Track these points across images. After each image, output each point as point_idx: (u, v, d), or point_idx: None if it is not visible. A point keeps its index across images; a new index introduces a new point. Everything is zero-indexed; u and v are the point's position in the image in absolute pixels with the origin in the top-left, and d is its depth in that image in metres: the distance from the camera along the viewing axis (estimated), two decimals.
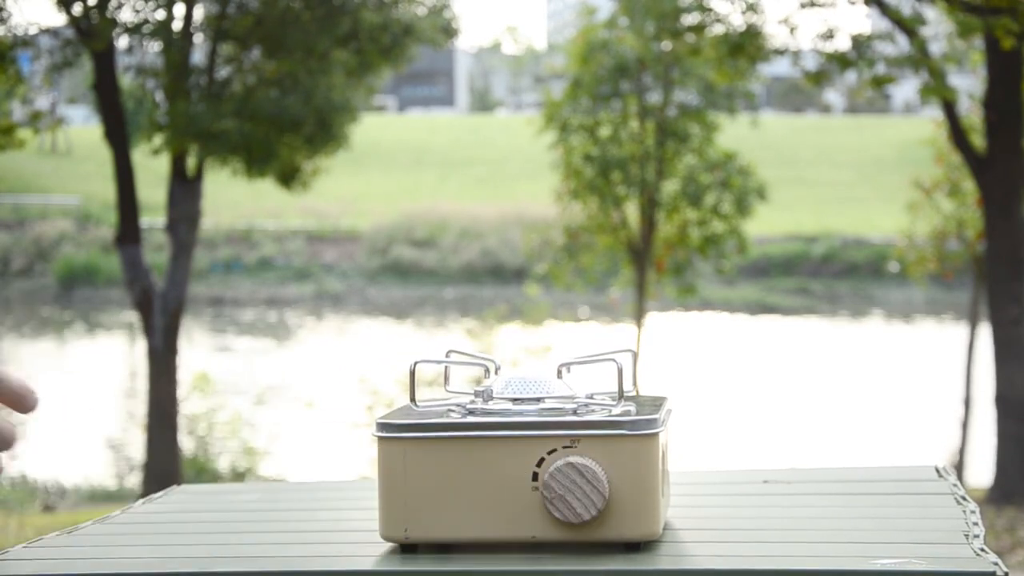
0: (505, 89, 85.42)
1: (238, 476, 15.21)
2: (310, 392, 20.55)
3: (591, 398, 2.15)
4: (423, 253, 37.08)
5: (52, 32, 12.86)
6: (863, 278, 35.53)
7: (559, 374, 2.15)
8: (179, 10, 12.80)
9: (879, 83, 12.34)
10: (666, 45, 15.99)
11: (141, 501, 2.58)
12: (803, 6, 12.56)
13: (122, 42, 12.93)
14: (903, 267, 18.27)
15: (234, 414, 16.70)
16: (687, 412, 17.21)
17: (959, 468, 14.92)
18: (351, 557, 2.03)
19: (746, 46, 12.52)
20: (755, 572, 1.87)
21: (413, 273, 36.66)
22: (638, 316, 16.83)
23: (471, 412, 2.07)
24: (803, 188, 43.40)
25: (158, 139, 12.81)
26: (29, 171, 41.40)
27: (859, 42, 12.33)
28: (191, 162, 13.07)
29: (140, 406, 17.62)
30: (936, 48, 13.55)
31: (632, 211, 16.88)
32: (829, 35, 12.54)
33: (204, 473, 14.81)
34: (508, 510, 1.97)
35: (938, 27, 14.85)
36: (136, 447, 16.81)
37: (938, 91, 11.72)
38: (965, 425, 15.65)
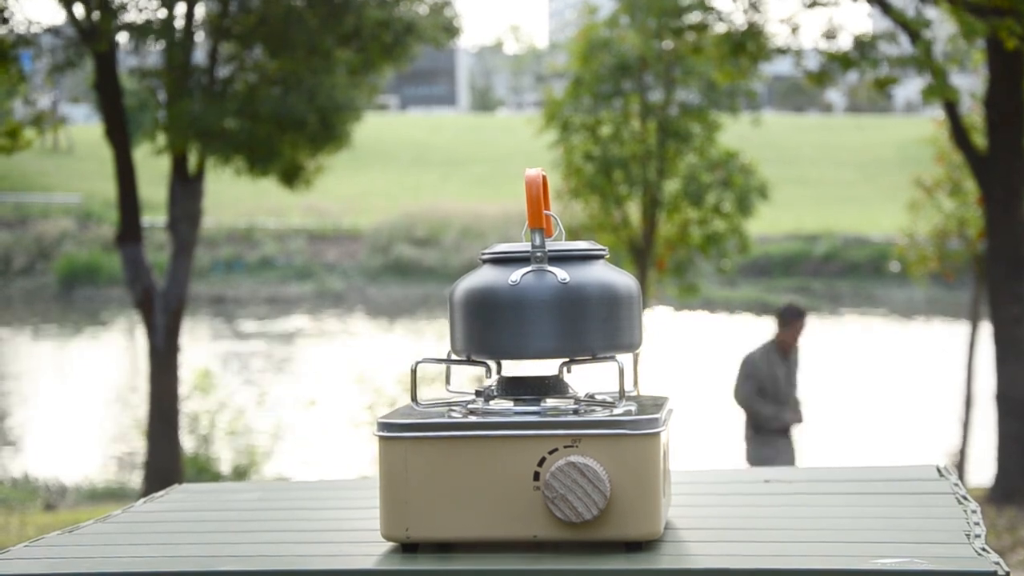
0: (506, 88, 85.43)
1: (239, 475, 15.20)
2: (311, 391, 20.54)
3: (592, 398, 2.15)
4: (424, 252, 37.08)
5: (54, 31, 12.84)
6: (864, 277, 35.53)
7: (560, 373, 2.14)
8: (180, 9, 12.77)
9: (882, 84, 12.33)
10: (668, 44, 15.98)
11: (142, 500, 2.58)
12: (806, 6, 12.54)
13: (123, 39, 12.89)
14: (904, 266, 18.24)
15: (235, 413, 16.69)
16: (688, 412, 17.19)
17: (960, 467, 14.90)
18: (351, 557, 2.03)
19: (748, 45, 12.50)
20: (755, 572, 1.87)
21: (414, 272, 36.65)
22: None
23: (472, 412, 2.07)
24: (804, 187, 43.41)
25: (162, 139, 12.79)
26: (31, 169, 41.40)
27: (862, 42, 12.31)
28: (193, 161, 13.06)
29: (141, 405, 17.63)
30: (938, 48, 13.53)
31: (633, 210, 16.86)
32: (831, 35, 12.53)
33: (205, 472, 14.80)
34: (509, 510, 1.97)
35: (940, 27, 14.84)
36: (137, 446, 16.81)
37: (940, 91, 11.71)
38: (966, 424, 15.63)
